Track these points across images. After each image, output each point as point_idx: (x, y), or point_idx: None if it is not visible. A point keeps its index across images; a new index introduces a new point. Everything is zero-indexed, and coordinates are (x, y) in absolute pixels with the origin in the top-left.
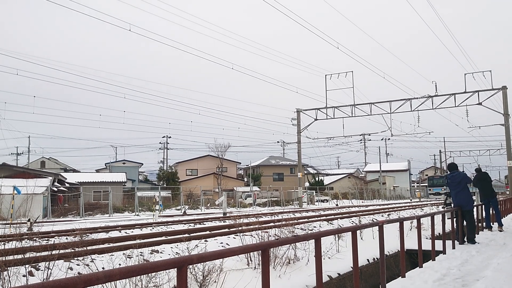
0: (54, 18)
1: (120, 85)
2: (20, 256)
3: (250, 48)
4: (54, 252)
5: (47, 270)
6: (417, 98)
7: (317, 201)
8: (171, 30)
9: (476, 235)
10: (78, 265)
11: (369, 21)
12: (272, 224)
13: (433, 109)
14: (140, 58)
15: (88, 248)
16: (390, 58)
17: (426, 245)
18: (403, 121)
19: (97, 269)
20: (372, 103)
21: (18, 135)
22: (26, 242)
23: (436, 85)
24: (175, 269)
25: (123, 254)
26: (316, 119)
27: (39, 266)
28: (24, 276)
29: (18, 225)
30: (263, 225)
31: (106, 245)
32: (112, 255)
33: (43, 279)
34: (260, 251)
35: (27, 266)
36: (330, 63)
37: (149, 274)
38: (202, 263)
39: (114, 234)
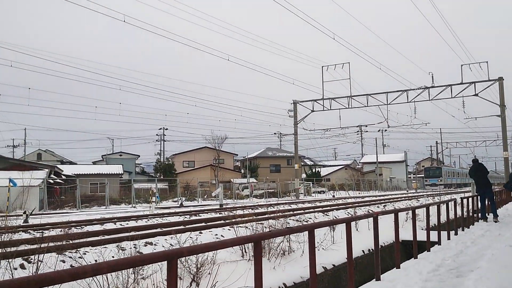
0: (48, 9)
1: (116, 76)
2: (14, 249)
3: (246, 40)
4: (43, 245)
5: (37, 263)
6: (414, 89)
7: (314, 193)
8: (166, 21)
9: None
10: (70, 257)
11: (365, 11)
12: (267, 216)
13: (429, 100)
14: (136, 49)
15: (81, 240)
16: (386, 49)
17: (422, 236)
18: (399, 113)
19: (89, 262)
20: (369, 94)
21: (14, 127)
22: (19, 234)
23: (432, 76)
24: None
25: (117, 246)
26: (312, 111)
27: (31, 259)
28: (15, 269)
29: (14, 217)
30: (258, 217)
31: (100, 238)
32: (105, 247)
33: (32, 272)
34: (252, 243)
35: (18, 259)
36: (326, 54)
37: (143, 267)
38: (196, 255)
39: (109, 226)
